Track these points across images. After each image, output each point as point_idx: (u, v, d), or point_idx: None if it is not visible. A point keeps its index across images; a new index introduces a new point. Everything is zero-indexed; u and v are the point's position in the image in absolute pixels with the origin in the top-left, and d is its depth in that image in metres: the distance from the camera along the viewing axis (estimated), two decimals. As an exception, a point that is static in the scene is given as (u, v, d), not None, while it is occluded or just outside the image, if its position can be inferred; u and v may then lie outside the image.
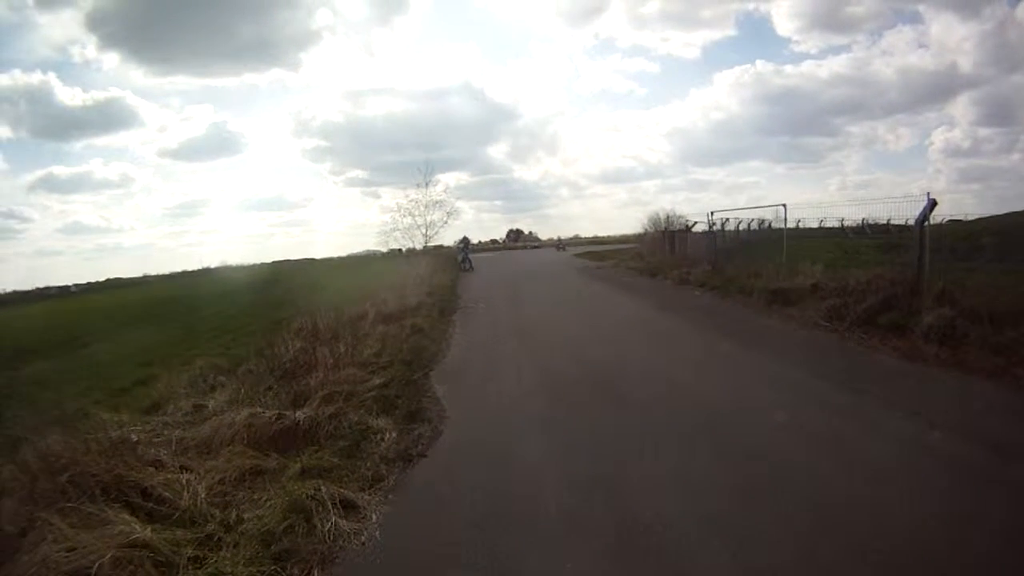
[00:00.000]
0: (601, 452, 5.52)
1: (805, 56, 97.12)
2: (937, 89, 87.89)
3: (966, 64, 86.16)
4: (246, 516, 4.38)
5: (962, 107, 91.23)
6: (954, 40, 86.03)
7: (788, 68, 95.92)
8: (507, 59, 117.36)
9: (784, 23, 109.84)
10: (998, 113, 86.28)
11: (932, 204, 10.01)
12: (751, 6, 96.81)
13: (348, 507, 4.60)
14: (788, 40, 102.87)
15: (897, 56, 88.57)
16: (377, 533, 4.33)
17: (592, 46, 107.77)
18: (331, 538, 4.18)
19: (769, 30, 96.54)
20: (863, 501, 4.32)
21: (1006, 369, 7.19)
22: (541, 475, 5.16)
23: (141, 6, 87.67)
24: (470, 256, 34.64)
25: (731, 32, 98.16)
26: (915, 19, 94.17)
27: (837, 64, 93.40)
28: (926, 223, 10.12)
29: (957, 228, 23.82)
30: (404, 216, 33.83)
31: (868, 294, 10.43)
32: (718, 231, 19.80)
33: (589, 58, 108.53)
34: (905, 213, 11.11)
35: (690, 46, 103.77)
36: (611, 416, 6.49)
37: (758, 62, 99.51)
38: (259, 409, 6.15)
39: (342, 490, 4.75)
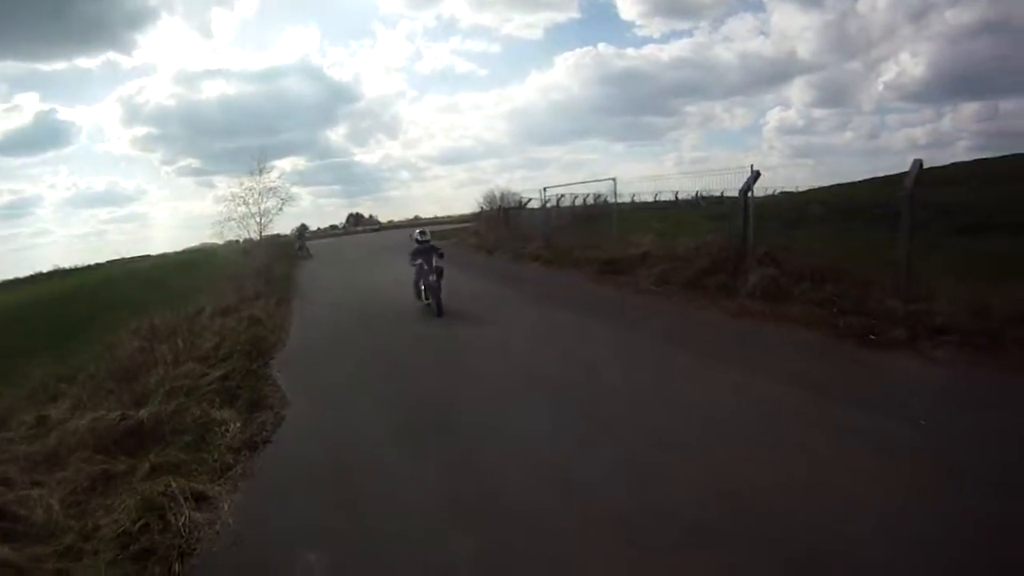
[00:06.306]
0: (438, 419, 6.29)
1: (648, 40, 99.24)
2: (775, 73, 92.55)
3: (805, 51, 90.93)
4: (102, 522, 4.62)
5: (798, 90, 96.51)
6: (795, 29, 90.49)
7: (630, 51, 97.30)
8: (348, 40, 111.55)
9: (628, 8, 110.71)
10: (833, 96, 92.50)
11: (756, 175, 10.88)
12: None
13: (200, 499, 4.91)
14: (632, 24, 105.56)
15: (738, 42, 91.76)
16: (231, 520, 4.68)
17: (433, 27, 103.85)
18: (187, 531, 4.45)
19: (613, 14, 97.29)
20: (695, 443, 5.15)
21: (826, 319, 8.16)
22: (379, 442, 5.90)
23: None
24: (307, 243, 33.72)
25: (574, 15, 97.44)
26: (758, 8, 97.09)
27: (679, 48, 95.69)
28: (750, 193, 10.92)
29: (788, 199, 26.26)
30: (239, 205, 32.70)
31: (697, 259, 11.45)
32: (552, 207, 20.92)
33: (431, 39, 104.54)
34: (736, 185, 11.62)
35: (532, 28, 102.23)
36: (445, 383, 7.39)
37: (600, 45, 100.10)
38: (102, 412, 6.38)
39: (192, 484, 5.06)
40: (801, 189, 34.13)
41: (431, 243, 12.18)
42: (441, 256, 12.03)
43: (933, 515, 3.86)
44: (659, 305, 10.39)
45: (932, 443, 4.86)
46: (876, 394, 5.93)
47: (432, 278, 11.59)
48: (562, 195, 21.24)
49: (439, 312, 11.22)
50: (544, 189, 21.38)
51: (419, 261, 11.85)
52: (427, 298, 11.71)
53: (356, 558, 4.09)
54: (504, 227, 25.97)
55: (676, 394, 6.40)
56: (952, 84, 78.17)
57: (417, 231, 12.50)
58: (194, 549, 4.35)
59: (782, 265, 9.95)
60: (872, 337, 7.47)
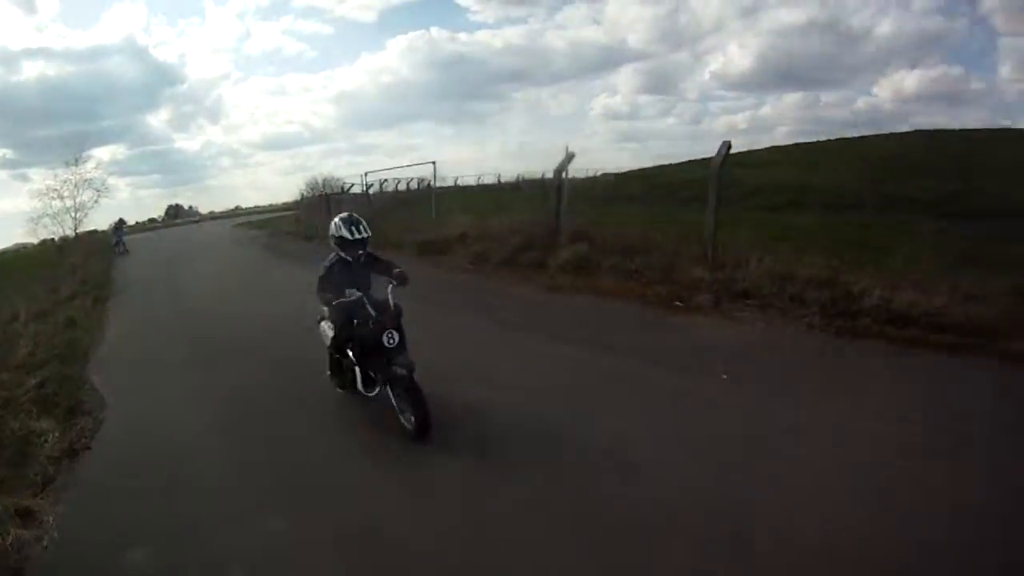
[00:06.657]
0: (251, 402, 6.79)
1: (482, 25, 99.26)
2: (604, 61, 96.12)
3: (635, 41, 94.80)
4: (-72, 560, 4.68)
5: (625, 77, 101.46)
6: (627, 19, 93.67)
7: (463, 36, 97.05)
8: (176, 18, 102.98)
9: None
10: (659, 83, 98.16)
11: (570, 156, 11.38)
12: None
13: (25, 515, 4.81)
14: (467, 9, 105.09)
15: (571, 30, 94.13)
16: (56, 534, 4.63)
17: (265, 6, 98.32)
18: (15, 550, 4.38)
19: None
20: (519, 401, 5.76)
21: (635, 289, 8.91)
22: (192, 429, 6.34)
23: None
24: (124, 239, 30.95)
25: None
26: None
27: (512, 34, 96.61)
28: (564, 173, 11.47)
29: (609, 179, 27.47)
30: (54, 200, 30.07)
31: (511, 238, 12.09)
32: (375, 192, 21.11)
33: (261, 18, 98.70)
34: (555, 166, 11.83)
35: (367, 10, 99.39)
36: (265, 375, 7.70)
37: (433, 29, 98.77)
38: (-87, 437, 6.00)
39: (15, 500, 4.95)
40: (624, 170, 35.32)
41: (370, 249, 5.91)
42: (402, 279, 5.74)
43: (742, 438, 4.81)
44: (474, 282, 11.06)
45: (732, 391, 5.64)
46: (679, 352, 6.66)
47: (390, 338, 5.37)
48: (385, 180, 21.54)
49: (422, 431, 5.21)
50: (365, 174, 21.47)
51: (353, 295, 5.49)
52: (368, 387, 5.76)
53: (177, 547, 4.33)
54: (326, 213, 25.31)
55: (488, 359, 7.05)
56: (777, 75, 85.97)
57: (338, 219, 5.85)
58: (23, 568, 4.31)
59: (594, 241, 10.71)
60: (679, 303, 8.22)
